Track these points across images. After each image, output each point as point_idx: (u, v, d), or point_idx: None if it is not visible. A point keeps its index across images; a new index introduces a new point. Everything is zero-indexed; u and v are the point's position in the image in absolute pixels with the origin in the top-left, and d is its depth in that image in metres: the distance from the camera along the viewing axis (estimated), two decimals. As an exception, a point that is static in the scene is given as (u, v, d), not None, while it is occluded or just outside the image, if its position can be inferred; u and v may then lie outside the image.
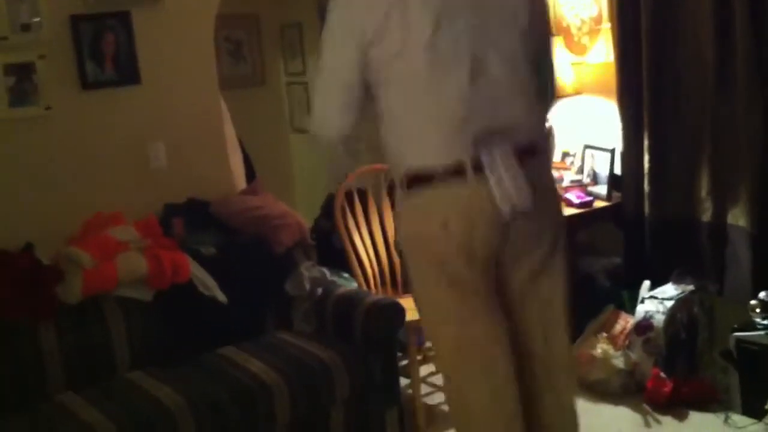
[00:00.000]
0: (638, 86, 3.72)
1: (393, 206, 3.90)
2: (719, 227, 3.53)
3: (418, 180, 2.10)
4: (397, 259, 3.90)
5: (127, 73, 3.59)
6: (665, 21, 3.61)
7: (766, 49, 3.25)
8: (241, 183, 4.08)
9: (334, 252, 4.09)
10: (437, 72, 2.04)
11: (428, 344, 4.11)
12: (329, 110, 2.22)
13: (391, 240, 3.91)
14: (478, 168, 2.04)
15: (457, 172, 2.06)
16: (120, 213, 3.40)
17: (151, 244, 3.28)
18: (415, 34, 2.01)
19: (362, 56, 2.08)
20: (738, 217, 3.44)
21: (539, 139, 2.18)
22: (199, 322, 3.27)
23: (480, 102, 2.05)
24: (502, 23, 2.08)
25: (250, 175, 4.55)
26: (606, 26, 4.00)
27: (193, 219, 3.58)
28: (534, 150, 2.13)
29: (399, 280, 3.90)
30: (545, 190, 2.20)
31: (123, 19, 3.56)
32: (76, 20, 3.44)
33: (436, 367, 3.70)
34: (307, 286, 3.46)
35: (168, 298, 3.23)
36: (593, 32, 4.10)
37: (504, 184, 2.04)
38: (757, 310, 3.23)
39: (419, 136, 2.11)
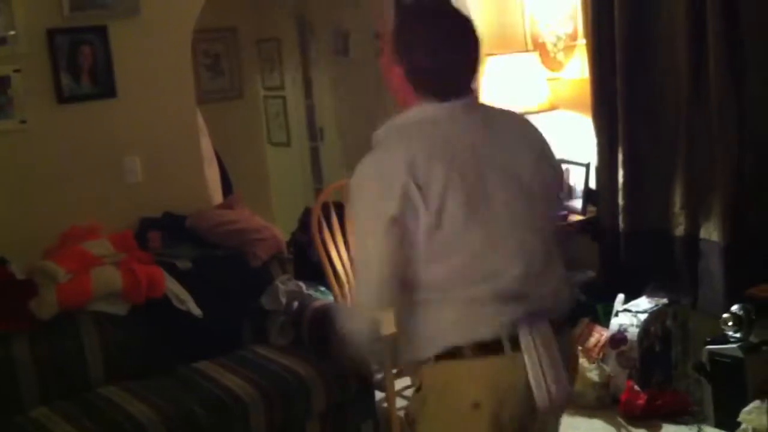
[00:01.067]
0: (613, 101, 3.76)
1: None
2: (692, 241, 3.57)
3: (449, 355, 1.88)
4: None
5: (104, 87, 3.59)
6: (639, 37, 3.65)
7: (739, 64, 3.29)
8: (217, 197, 4.08)
9: (311, 265, 4.09)
10: (488, 244, 1.86)
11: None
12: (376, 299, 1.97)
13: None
14: (515, 343, 1.86)
15: (491, 346, 1.86)
16: (96, 226, 3.39)
17: (127, 258, 3.27)
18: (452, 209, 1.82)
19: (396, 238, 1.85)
20: (711, 232, 3.48)
21: (565, 310, 2.00)
22: (174, 337, 3.25)
23: (529, 276, 1.88)
24: (528, 198, 1.92)
25: (227, 188, 4.55)
26: (581, 42, 4.04)
27: (169, 233, 3.58)
28: (563, 323, 1.98)
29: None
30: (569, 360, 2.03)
31: (100, 32, 3.56)
32: (52, 34, 3.44)
33: None
34: (283, 300, 3.46)
35: (143, 312, 3.23)
36: (569, 48, 4.14)
37: (543, 377, 1.85)
38: (730, 324, 3.26)
39: (461, 312, 1.88)
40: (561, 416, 2.08)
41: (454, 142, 1.87)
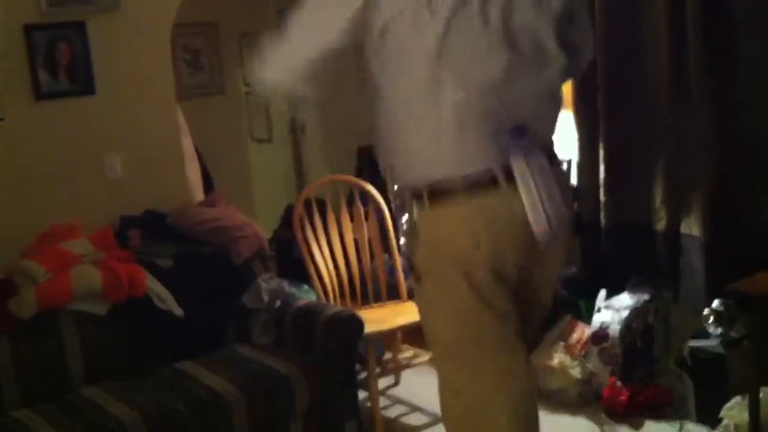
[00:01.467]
0: (593, 98, 3.76)
1: (352, 218, 3.91)
2: (673, 236, 3.57)
3: (442, 192, 1.86)
4: (356, 271, 3.90)
5: (82, 84, 3.55)
6: (621, 33, 3.65)
7: (720, 61, 3.30)
8: (198, 194, 4.05)
9: (293, 263, 4.08)
10: (465, 55, 1.79)
11: (387, 356, 4.12)
12: (290, 70, 1.94)
13: (350, 251, 3.90)
14: (509, 177, 1.82)
15: (485, 182, 1.84)
16: (75, 225, 3.35)
17: (107, 257, 3.24)
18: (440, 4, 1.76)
19: (362, 17, 1.82)
20: (691, 226, 3.49)
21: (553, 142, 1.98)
22: (155, 336, 3.23)
23: (512, 95, 1.83)
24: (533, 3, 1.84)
25: (208, 185, 4.52)
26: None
27: (149, 231, 3.55)
28: (555, 156, 1.95)
29: (358, 292, 3.90)
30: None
31: (78, 28, 3.52)
32: (30, 30, 3.40)
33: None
34: (266, 299, 3.44)
35: (124, 311, 3.20)
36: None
37: (541, 203, 1.82)
38: (711, 319, 3.28)
39: (438, 135, 1.83)
40: (563, 254, 2.05)
41: None
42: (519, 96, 1.85)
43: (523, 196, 1.81)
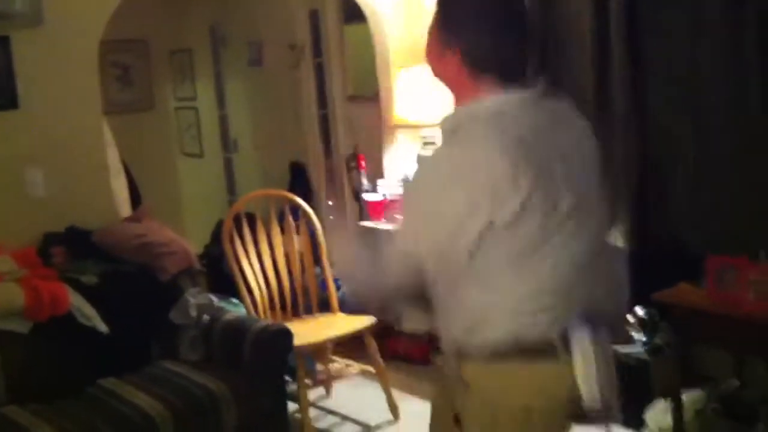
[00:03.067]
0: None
1: (282, 230, 3.90)
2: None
3: (499, 353, 1.80)
4: (286, 285, 3.89)
5: (5, 98, 3.49)
6: (548, 53, 3.72)
7: (641, 75, 3.39)
8: (125, 210, 4.00)
9: (224, 278, 4.05)
10: (553, 239, 1.77)
11: (318, 368, 4.11)
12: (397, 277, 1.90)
13: (280, 264, 3.89)
14: (566, 346, 1.78)
15: (541, 348, 1.79)
16: (-4, 242, 3.28)
17: (29, 275, 3.17)
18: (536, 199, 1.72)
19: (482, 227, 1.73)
20: (617, 237, 3.57)
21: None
22: (79, 354, 3.17)
23: (585, 277, 1.82)
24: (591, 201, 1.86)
25: (136, 201, 4.47)
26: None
27: (74, 248, 3.49)
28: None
29: (288, 305, 3.89)
30: None
31: (2, 43, 3.46)
32: (-51, 44, 3.33)
33: None
34: (194, 314, 3.41)
35: (47, 329, 3.13)
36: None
37: (597, 378, 1.78)
38: (635, 326, 3.35)
39: (515, 302, 1.79)
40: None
41: (534, 133, 1.76)
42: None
43: (579, 368, 1.78)
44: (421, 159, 1.86)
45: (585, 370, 1.77)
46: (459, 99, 1.86)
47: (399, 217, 1.89)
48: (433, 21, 1.86)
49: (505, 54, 1.80)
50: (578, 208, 1.79)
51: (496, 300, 1.79)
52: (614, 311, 1.94)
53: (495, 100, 1.78)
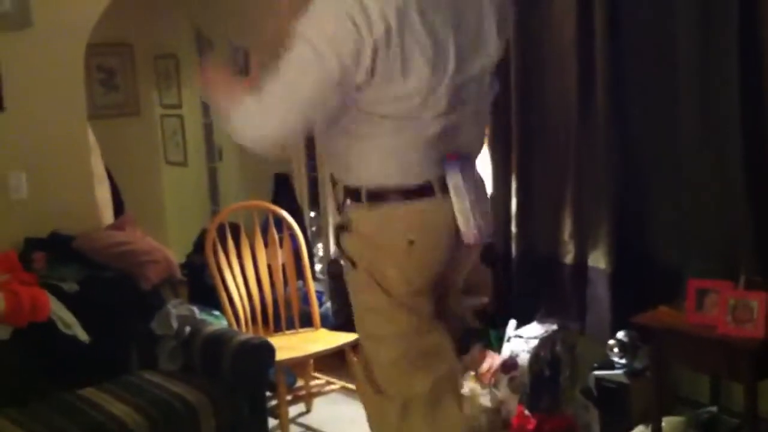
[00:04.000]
0: (507, 130, 3.84)
1: (266, 243, 3.88)
2: (580, 269, 3.66)
3: (381, 195, 2.07)
4: (269, 298, 3.86)
5: (-10, 100, 3.45)
6: (531, 66, 3.75)
7: (625, 91, 3.42)
8: (108, 216, 3.97)
9: (206, 289, 4.03)
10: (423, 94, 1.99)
11: (298, 384, 4.08)
12: (280, 130, 2.05)
13: (263, 277, 3.87)
14: (443, 188, 2.05)
15: (422, 190, 2.05)
16: (-24, 246, 3.24)
17: (9, 280, 3.14)
18: (417, 55, 1.93)
19: (348, 73, 1.92)
20: (598, 259, 3.58)
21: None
22: (58, 362, 3.14)
23: (453, 123, 2.05)
24: (474, 48, 2.06)
25: (119, 208, 4.43)
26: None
27: (55, 254, 3.46)
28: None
29: (271, 319, 3.86)
30: None
31: (-13, 44, 3.43)
32: (-66, 44, 3.29)
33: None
34: (175, 325, 3.38)
35: (26, 336, 3.10)
36: None
37: (472, 210, 2.04)
38: (615, 350, 3.36)
39: (387, 152, 2.05)
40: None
41: None
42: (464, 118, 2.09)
43: (456, 205, 2.04)
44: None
45: (460, 204, 2.03)
46: None
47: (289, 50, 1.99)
48: None
49: None
50: (461, 68, 2.00)
51: (375, 143, 2.04)
52: (480, 146, 2.22)
53: None
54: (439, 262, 2.13)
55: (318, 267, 4.92)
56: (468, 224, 2.05)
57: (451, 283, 2.29)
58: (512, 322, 3.81)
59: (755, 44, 2.95)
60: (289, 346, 3.65)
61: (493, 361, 3.81)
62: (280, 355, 3.40)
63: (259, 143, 2.11)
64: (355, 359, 2.35)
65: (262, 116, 2.02)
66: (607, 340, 3.40)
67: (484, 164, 3.94)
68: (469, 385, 3.69)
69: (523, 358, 3.65)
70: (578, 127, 3.56)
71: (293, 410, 3.88)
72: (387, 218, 2.08)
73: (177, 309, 3.44)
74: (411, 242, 2.05)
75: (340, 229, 2.20)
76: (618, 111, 3.40)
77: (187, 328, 3.40)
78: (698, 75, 3.14)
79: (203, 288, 4.10)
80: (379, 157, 2.06)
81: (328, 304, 4.30)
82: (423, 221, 2.07)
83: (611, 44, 3.37)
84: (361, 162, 2.09)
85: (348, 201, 2.16)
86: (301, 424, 3.86)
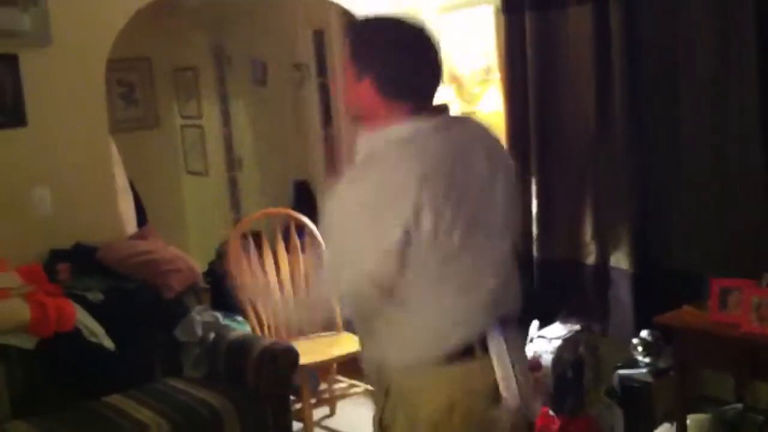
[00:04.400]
0: (526, 134, 3.85)
1: (288, 249, 3.91)
2: (603, 269, 3.66)
3: (421, 361, 1.93)
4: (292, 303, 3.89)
5: (13, 116, 3.50)
6: (550, 75, 3.75)
7: (641, 96, 3.42)
8: (131, 227, 4.01)
9: (229, 296, 4.06)
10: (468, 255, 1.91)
11: (322, 387, 4.10)
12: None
13: (285, 283, 3.90)
14: (484, 348, 1.92)
15: (462, 352, 1.91)
16: (2, 259, 3.29)
17: (35, 291, 3.18)
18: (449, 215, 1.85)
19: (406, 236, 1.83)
20: (620, 260, 3.58)
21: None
22: (85, 370, 3.17)
23: (497, 286, 1.95)
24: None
25: (142, 219, 4.48)
26: (496, 76, 4.13)
27: (79, 264, 3.50)
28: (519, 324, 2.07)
29: (293, 324, 3.89)
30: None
31: (10, 62, 3.48)
32: (-40, 62, 3.35)
33: None
34: (199, 332, 3.41)
35: (52, 345, 3.13)
36: (484, 82, 4.22)
37: (514, 375, 1.92)
38: (639, 349, 3.35)
39: (438, 320, 1.92)
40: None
41: (446, 158, 1.88)
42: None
43: (497, 368, 1.91)
44: (336, 188, 1.92)
45: (502, 368, 1.91)
46: (371, 126, 1.93)
47: (325, 251, 1.96)
48: (346, 53, 1.95)
49: (417, 82, 1.90)
50: (485, 226, 1.93)
51: (421, 320, 1.91)
52: (519, 308, 2.06)
53: (407, 126, 1.87)
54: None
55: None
56: (508, 385, 1.91)
57: None
58: (535, 323, 3.81)
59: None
60: (312, 350, 3.67)
61: (516, 362, 3.80)
62: (304, 360, 3.42)
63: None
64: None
65: None
66: (630, 340, 3.39)
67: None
68: (492, 387, 3.69)
69: (547, 359, 3.65)
70: (596, 130, 3.57)
71: (317, 413, 3.90)
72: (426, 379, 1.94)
73: (201, 316, 3.47)
74: (451, 407, 1.91)
75: (377, 393, 2.07)
76: (635, 113, 3.41)
77: (211, 335, 3.43)
78: (716, 79, 3.15)
79: (226, 295, 4.13)
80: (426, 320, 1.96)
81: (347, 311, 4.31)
82: (462, 383, 1.93)
83: (628, 51, 3.38)
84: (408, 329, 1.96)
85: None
86: (325, 428, 3.88)
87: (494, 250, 1.96)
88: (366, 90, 1.88)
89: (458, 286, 1.91)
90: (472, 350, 1.91)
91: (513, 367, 1.93)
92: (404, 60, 1.88)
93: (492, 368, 1.91)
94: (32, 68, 3.54)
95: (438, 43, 1.93)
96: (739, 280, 2.88)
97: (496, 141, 2.08)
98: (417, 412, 1.93)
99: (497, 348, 1.91)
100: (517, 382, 1.92)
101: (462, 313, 1.92)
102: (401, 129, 1.87)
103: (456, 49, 4.32)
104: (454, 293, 1.91)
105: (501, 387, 1.91)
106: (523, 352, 2.06)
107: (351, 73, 1.91)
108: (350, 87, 1.93)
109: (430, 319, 1.92)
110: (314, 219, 4.00)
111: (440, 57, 1.94)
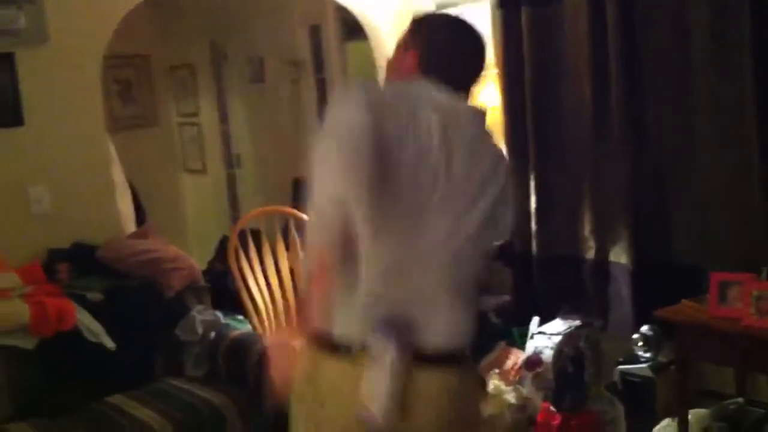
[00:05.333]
0: (523, 130, 3.85)
1: (288, 247, 3.91)
2: (602, 265, 3.66)
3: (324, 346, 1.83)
4: (292, 301, 3.89)
5: (10, 115, 3.49)
6: (547, 66, 3.75)
7: (639, 99, 3.42)
8: (130, 226, 4.00)
9: (229, 294, 4.05)
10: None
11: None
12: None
13: (285, 280, 3.89)
14: (364, 349, 1.78)
15: (344, 346, 1.80)
16: (1, 259, 3.28)
17: (35, 291, 3.18)
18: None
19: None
20: (619, 255, 3.58)
21: (461, 349, 1.87)
22: (85, 370, 3.17)
23: (399, 282, 1.81)
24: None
25: (141, 217, 4.47)
26: (493, 72, 4.12)
27: (79, 264, 3.49)
28: (448, 360, 1.84)
29: (294, 322, 3.88)
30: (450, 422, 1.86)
31: (6, 60, 3.47)
32: (-46, 60, 3.34)
33: None
34: (200, 330, 3.41)
35: (52, 345, 3.13)
36: (482, 77, 4.21)
37: (383, 385, 1.76)
38: (639, 344, 3.35)
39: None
40: None
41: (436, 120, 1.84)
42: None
43: (368, 373, 1.77)
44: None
45: (374, 376, 1.76)
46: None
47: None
48: (408, 25, 2.07)
49: (450, 66, 1.97)
50: (431, 206, 1.80)
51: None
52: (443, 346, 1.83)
53: (425, 83, 1.92)
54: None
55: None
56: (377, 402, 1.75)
57: None
58: (535, 319, 3.81)
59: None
60: (313, 348, 3.66)
61: (516, 358, 3.81)
62: (304, 358, 3.41)
63: None
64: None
65: None
66: (630, 335, 3.39)
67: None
68: (493, 383, 3.69)
69: (547, 355, 3.65)
70: (594, 124, 3.56)
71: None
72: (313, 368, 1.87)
73: (201, 315, 3.47)
74: (322, 404, 1.84)
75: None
76: (633, 106, 3.41)
77: (212, 333, 3.43)
78: (713, 72, 3.15)
79: (226, 294, 4.12)
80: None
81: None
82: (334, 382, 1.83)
83: (625, 45, 3.38)
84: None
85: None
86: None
87: (440, 248, 1.81)
88: (410, 61, 1.98)
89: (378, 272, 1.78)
90: (349, 348, 1.78)
91: (385, 378, 1.74)
92: (445, 45, 1.99)
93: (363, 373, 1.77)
94: (29, 66, 3.53)
95: (483, 42, 2.06)
96: (738, 274, 2.88)
97: (489, 136, 2.01)
98: (303, 397, 1.89)
99: (377, 352, 1.76)
100: (384, 396, 1.75)
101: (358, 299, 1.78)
102: (414, 83, 1.93)
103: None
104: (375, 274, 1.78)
105: (365, 392, 1.76)
106: (400, 370, 1.77)
107: (402, 44, 2.02)
108: (398, 56, 2.03)
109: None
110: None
111: (482, 54, 2.06)
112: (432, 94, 1.89)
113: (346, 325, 1.81)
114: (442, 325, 1.83)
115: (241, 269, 3.78)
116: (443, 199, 1.82)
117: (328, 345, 1.82)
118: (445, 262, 1.83)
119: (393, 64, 2.06)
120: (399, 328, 1.78)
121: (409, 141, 1.80)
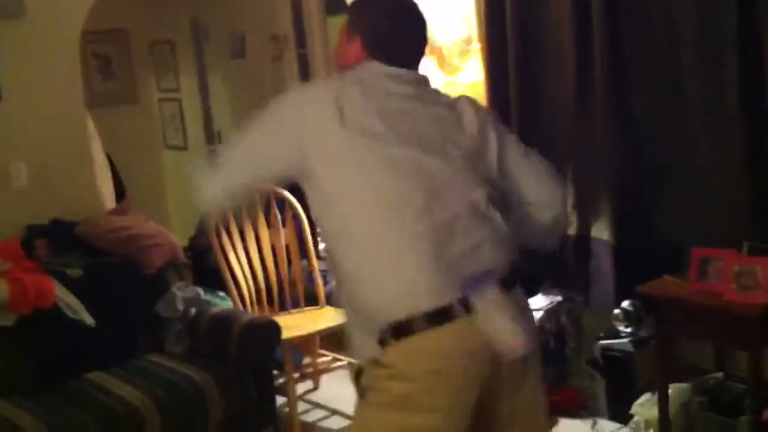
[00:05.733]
0: (506, 105, 3.83)
1: (269, 224, 3.89)
2: (584, 240, 3.67)
3: (404, 329, 1.85)
4: (273, 278, 3.88)
5: (-13, 90, 3.44)
6: (530, 42, 3.73)
7: (623, 67, 3.41)
8: (109, 202, 3.97)
9: (210, 271, 4.03)
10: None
11: (305, 361, 4.10)
12: (223, 190, 2.14)
13: (267, 257, 3.87)
14: (467, 308, 1.84)
15: (445, 314, 1.84)
16: (-21, 235, 3.25)
17: (13, 268, 3.15)
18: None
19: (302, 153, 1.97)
20: (601, 231, 3.58)
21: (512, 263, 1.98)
22: (65, 347, 3.15)
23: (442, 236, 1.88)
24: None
25: (120, 194, 4.43)
26: (476, 47, 4.10)
27: (58, 240, 3.46)
28: (512, 278, 1.96)
29: (276, 299, 3.87)
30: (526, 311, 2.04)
31: (-19, 34, 3.42)
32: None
33: None
34: (180, 307, 3.39)
35: (31, 322, 3.11)
36: (464, 53, 4.20)
37: (504, 329, 1.84)
38: (620, 319, 3.37)
39: (398, 270, 1.86)
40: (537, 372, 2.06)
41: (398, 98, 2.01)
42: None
43: (484, 322, 1.84)
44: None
45: (491, 321, 1.84)
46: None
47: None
48: (346, 18, 2.15)
49: (398, 46, 2.08)
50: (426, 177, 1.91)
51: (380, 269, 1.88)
52: (507, 264, 1.96)
53: (375, 65, 2.04)
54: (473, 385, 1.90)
55: (322, 246, 4.92)
56: (502, 336, 1.84)
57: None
58: (517, 295, 3.82)
59: (754, 17, 2.94)
60: (295, 324, 3.66)
61: (498, 334, 3.81)
62: (287, 334, 3.41)
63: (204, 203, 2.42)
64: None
65: None
66: (612, 310, 3.41)
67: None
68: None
69: (529, 331, 3.66)
70: (577, 99, 3.55)
71: (301, 388, 3.91)
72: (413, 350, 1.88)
73: (182, 291, 3.45)
74: (437, 373, 1.86)
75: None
76: (616, 82, 3.40)
77: (193, 310, 3.42)
78: (697, 48, 3.14)
79: (207, 270, 4.11)
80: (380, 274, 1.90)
81: (333, 283, 4.31)
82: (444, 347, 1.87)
83: (608, 21, 3.36)
84: (368, 280, 1.92)
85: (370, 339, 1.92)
86: (309, 401, 3.89)
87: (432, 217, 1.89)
88: (355, 48, 2.07)
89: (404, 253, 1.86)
90: (450, 311, 1.84)
91: (503, 317, 1.85)
92: (388, 26, 2.08)
93: (477, 325, 1.83)
94: (5, 41, 3.49)
95: (424, 18, 2.14)
96: (719, 250, 2.89)
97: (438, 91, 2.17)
98: (409, 385, 1.87)
99: (482, 303, 1.84)
100: (509, 331, 1.85)
101: (422, 269, 1.85)
102: (369, 66, 2.04)
103: (434, 19, 4.29)
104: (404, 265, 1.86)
105: (494, 338, 1.84)
106: (517, 304, 1.93)
107: (345, 33, 2.11)
108: (342, 45, 2.12)
109: (388, 281, 1.88)
110: (296, 192, 3.97)
111: (424, 30, 2.15)
112: (384, 69, 2.03)
113: (431, 296, 1.84)
114: (488, 254, 1.92)
115: (221, 246, 3.76)
116: (431, 153, 1.95)
117: (411, 326, 1.84)
118: (463, 201, 1.94)
119: (340, 54, 2.13)
120: (475, 271, 1.87)
121: (378, 113, 1.95)
